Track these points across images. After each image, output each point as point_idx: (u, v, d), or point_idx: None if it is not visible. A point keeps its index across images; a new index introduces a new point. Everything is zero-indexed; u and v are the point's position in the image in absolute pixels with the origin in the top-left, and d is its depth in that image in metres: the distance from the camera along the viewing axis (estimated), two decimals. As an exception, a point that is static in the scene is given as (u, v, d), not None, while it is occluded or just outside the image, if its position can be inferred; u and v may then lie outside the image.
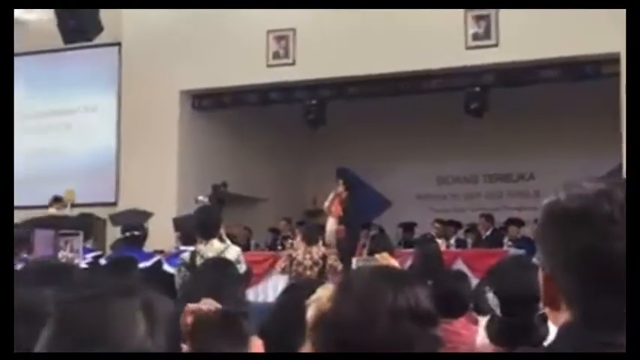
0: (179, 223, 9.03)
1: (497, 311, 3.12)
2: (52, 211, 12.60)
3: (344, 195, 13.00)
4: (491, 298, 3.14)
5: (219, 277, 4.10)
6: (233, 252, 7.17)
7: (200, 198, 11.87)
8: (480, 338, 3.82)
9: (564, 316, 1.46)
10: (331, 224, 12.61)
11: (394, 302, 2.11)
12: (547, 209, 1.51)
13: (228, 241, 7.74)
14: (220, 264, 4.90)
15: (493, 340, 3.16)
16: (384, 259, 4.02)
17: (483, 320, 4.05)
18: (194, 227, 7.49)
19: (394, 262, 3.98)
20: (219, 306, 2.66)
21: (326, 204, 12.95)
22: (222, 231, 7.72)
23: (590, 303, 1.42)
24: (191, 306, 2.50)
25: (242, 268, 6.79)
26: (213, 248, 7.05)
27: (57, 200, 13.26)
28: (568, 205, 1.45)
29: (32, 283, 2.40)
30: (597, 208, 1.42)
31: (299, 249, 10.34)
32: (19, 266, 7.10)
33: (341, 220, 12.67)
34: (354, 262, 6.00)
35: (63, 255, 6.68)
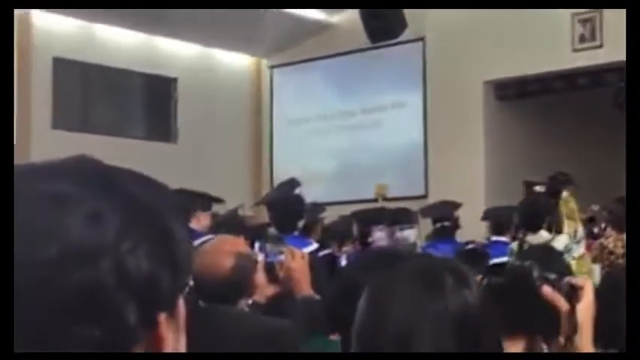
0: (490, 214, 9.04)
1: None
2: None
3: None
4: None
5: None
6: (561, 241, 7.08)
7: (537, 188, 11.80)
8: None
9: None
10: None
11: None
12: None
13: (566, 232, 7.62)
14: (542, 251, 4.79)
15: None
16: None
17: None
18: (507, 217, 7.46)
19: None
20: None
21: None
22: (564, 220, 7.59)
23: None
24: None
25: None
26: (540, 239, 7.01)
27: None
28: None
29: (366, 267, 2.51)
30: None
31: (609, 237, 10.01)
32: (343, 257, 7.47)
33: None
34: None
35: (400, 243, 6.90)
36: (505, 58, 14.33)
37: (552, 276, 1.73)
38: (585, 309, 1.71)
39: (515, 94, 15.11)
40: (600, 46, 13.65)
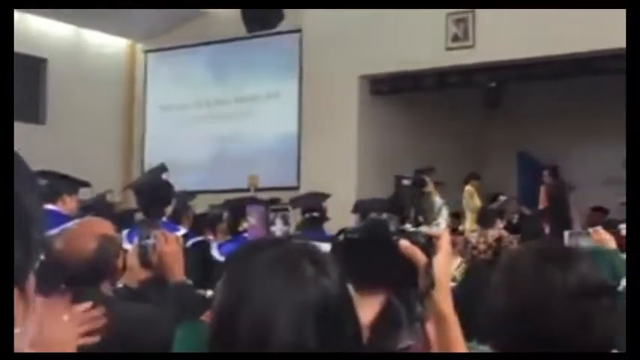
0: (360, 206, 9.14)
1: None
2: None
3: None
4: None
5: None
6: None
7: (405, 182, 12.02)
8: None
9: None
10: None
11: (565, 282, 2.08)
12: None
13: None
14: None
15: None
16: (597, 233, 3.94)
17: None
18: (377, 210, 7.55)
19: (607, 236, 3.91)
20: None
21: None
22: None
23: None
24: None
25: None
26: None
27: None
28: None
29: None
30: None
31: (474, 233, 10.30)
32: (214, 245, 7.44)
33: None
34: (567, 236, 5.91)
35: (276, 228, 6.89)
36: (380, 54, 14.51)
37: (410, 229, 1.71)
38: (442, 261, 1.69)
39: (389, 89, 15.32)
40: (472, 46, 13.98)
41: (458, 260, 9.96)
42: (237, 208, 7.96)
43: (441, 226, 9.25)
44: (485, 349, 3.22)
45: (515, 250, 2.38)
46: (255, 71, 16.37)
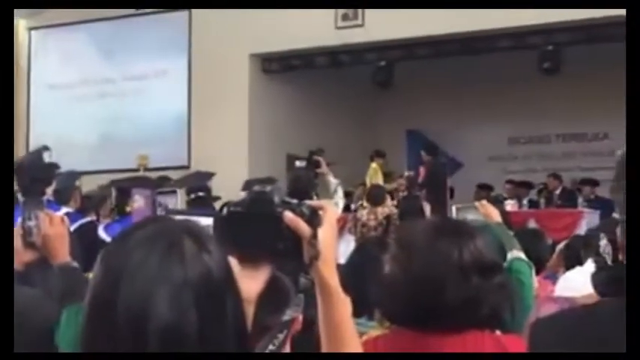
0: (249, 185, 9.10)
1: (609, 259, 3.17)
2: None
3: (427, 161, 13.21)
4: (604, 245, 3.19)
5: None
6: None
7: (297, 163, 12.04)
8: (558, 291, 3.82)
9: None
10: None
11: (460, 258, 2.11)
12: (620, 160, 1.51)
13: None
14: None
15: (600, 290, 3.09)
16: (483, 207, 3.99)
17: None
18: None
19: (493, 210, 3.97)
20: None
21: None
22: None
23: None
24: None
25: None
26: None
27: None
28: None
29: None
30: None
31: (364, 210, 10.40)
32: (101, 226, 7.31)
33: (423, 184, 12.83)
34: (454, 210, 6.01)
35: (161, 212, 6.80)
36: (270, 32, 14.45)
37: (294, 201, 1.69)
38: (327, 233, 1.68)
39: (280, 67, 15.30)
40: (361, 25, 14.05)
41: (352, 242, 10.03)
42: (124, 189, 7.81)
43: (339, 205, 9.29)
44: (374, 324, 3.25)
45: (412, 226, 2.38)
46: (144, 49, 16.08)
